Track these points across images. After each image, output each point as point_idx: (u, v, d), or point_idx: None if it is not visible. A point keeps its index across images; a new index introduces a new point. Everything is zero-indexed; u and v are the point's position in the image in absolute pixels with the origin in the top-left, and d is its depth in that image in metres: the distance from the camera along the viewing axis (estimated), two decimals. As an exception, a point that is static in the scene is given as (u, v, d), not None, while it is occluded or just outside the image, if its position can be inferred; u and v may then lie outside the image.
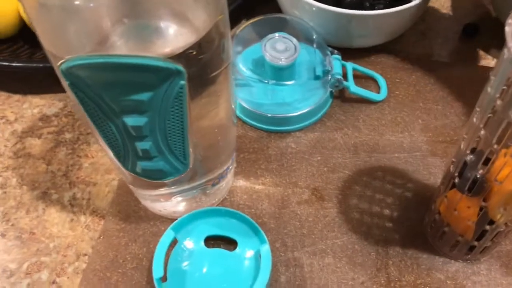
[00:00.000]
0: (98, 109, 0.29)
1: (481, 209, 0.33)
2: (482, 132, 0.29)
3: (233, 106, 0.38)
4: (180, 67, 0.27)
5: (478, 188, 0.32)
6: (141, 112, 0.29)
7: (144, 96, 0.28)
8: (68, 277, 0.40)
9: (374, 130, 0.47)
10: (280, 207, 0.43)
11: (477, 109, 0.30)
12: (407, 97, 0.49)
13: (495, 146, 0.29)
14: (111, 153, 0.33)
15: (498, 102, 0.27)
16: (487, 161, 0.30)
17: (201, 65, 0.30)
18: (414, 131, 0.47)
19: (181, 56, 0.28)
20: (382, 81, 0.50)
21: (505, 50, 0.25)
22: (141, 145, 0.31)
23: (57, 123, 0.49)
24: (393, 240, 0.40)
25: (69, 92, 0.28)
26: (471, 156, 0.31)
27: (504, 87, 0.27)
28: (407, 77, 0.51)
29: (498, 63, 0.27)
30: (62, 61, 0.26)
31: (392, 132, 0.47)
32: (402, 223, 0.41)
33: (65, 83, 0.28)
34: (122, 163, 0.33)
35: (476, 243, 0.36)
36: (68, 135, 0.48)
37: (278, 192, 0.43)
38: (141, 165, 0.33)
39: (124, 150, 0.32)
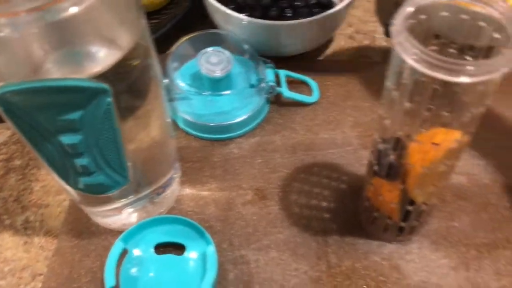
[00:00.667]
0: (35, 131, 0.31)
1: (401, 191, 0.36)
2: (387, 121, 0.33)
3: (168, 121, 0.40)
4: (105, 85, 0.29)
5: (393, 173, 0.35)
6: (75, 130, 0.31)
7: (75, 115, 0.30)
8: (25, 298, 0.41)
9: (309, 130, 0.50)
10: (226, 209, 0.45)
11: (382, 102, 0.33)
12: (338, 97, 0.53)
13: (399, 133, 0.32)
14: (55, 174, 0.35)
15: (394, 93, 0.31)
16: (402, 148, 0.33)
17: (130, 82, 0.33)
18: (345, 128, 0.50)
19: (109, 75, 0.30)
20: (313, 85, 0.53)
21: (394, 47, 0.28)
22: (79, 162, 0.33)
23: (6, 150, 0.50)
24: (331, 229, 0.43)
25: (5, 118, 0.30)
26: (383, 145, 0.35)
27: (403, 81, 0.30)
28: (337, 78, 0.54)
29: (391, 59, 0.30)
30: (-4, 88, 0.28)
31: (326, 130, 0.50)
32: (339, 213, 0.44)
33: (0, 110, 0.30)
34: (65, 181, 0.35)
35: (403, 224, 0.40)
36: (18, 162, 0.50)
37: (223, 196, 0.46)
38: (82, 181, 0.35)
39: (64, 168, 0.34)
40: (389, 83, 0.31)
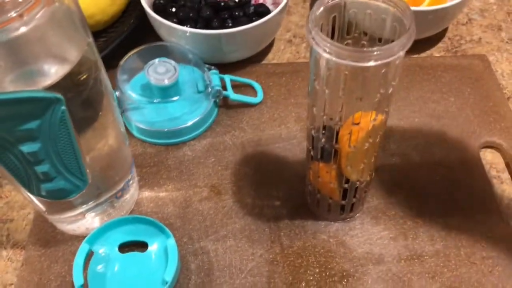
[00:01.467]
0: (-5, 142, 0.33)
1: (336, 171, 0.41)
2: (314, 109, 0.37)
3: (122, 130, 0.43)
4: (58, 95, 0.32)
5: (326, 155, 0.39)
6: (33, 139, 0.34)
7: (33, 124, 0.33)
8: (-3, 308, 0.43)
9: (256, 128, 0.54)
10: (184, 207, 0.48)
11: (309, 92, 0.38)
12: (280, 96, 0.57)
13: (325, 118, 0.36)
14: (18, 184, 0.38)
15: (315, 83, 0.35)
16: (330, 131, 0.38)
17: (82, 95, 0.36)
18: (289, 123, 0.55)
19: (61, 86, 0.33)
20: (257, 87, 0.57)
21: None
22: (40, 169, 0.36)
23: (-33, 172, 0.52)
24: (282, 215, 0.47)
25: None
26: (314, 131, 0.39)
27: (321, 71, 0.34)
28: (278, 79, 0.59)
29: (310, 54, 0.34)
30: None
31: (272, 127, 0.54)
32: (288, 200, 0.48)
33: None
34: (28, 188, 0.38)
35: (343, 202, 0.44)
36: (-21, 182, 0.51)
37: (181, 195, 0.49)
38: (44, 187, 0.38)
39: (26, 176, 0.36)
40: (311, 74, 0.35)
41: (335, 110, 0.35)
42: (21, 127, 0.33)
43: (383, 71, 0.31)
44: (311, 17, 0.32)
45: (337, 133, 0.37)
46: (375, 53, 0.30)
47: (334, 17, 0.35)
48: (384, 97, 0.34)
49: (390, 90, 0.34)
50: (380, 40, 0.36)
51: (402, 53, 0.31)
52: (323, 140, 0.38)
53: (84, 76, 0.36)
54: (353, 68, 0.31)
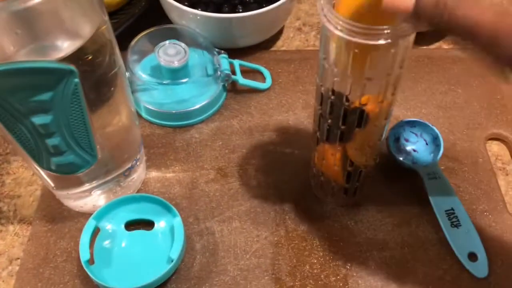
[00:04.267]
0: (7, 113, 0.34)
1: (342, 154, 0.41)
2: (323, 89, 0.37)
3: (133, 109, 0.44)
4: (72, 67, 0.33)
5: (332, 136, 0.40)
6: (45, 111, 0.34)
7: (46, 96, 0.33)
8: (3, 281, 0.43)
9: (264, 114, 0.54)
10: (191, 188, 0.49)
11: (318, 72, 0.38)
12: (289, 83, 0.57)
13: (332, 98, 0.37)
14: (28, 158, 0.38)
15: (324, 62, 0.35)
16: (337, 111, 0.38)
17: (97, 72, 0.36)
18: (297, 109, 0.55)
19: (73, 59, 0.34)
20: (266, 72, 0.57)
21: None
22: (51, 142, 0.36)
23: (-25, 148, 0.53)
24: (288, 198, 0.48)
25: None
26: (321, 111, 0.39)
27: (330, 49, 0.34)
28: (287, 66, 0.59)
29: (321, 32, 0.35)
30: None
31: (279, 112, 0.54)
32: (294, 184, 0.49)
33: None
34: (38, 162, 0.38)
35: (347, 185, 0.44)
36: (-12, 158, 0.52)
37: (188, 176, 0.50)
38: (54, 161, 0.38)
39: (37, 149, 0.37)
40: (320, 53, 0.35)
41: (343, 90, 0.35)
42: (33, 98, 0.33)
43: (392, 51, 0.32)
44: None
45: (345, 114, 0.37)
46: (386, 31, 0.30)
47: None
48: (392, 80, 0.34)
49: (398, 73, 0.34)
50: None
51: (412, 34, 0.31)
52: (329, 121, 0.38)
53: (99, 54, 0.36)
54: (363, 46, 0.31)
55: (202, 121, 0.54)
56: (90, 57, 0.35)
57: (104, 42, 0.37)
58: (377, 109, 0.36)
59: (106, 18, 0.37)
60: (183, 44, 0.52)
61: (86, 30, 0.35)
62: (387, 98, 0.36)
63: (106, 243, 0.43)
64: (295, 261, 0.44)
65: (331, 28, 0.31)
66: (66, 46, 0.35)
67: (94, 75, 0.36)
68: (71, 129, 0.36)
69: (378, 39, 0.30)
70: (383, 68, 0.33)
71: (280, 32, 0.63)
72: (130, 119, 0.44)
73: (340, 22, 0.30)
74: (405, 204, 0.47)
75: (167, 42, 0.52)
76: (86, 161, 0.39)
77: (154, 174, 0.50)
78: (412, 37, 0.32)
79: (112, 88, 0.39)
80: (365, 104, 0.35)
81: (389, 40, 0.30)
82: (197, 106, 0.53)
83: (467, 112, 0.54)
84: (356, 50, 0.32)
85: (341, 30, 0.30)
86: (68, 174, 0.40)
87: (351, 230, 0.45)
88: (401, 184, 0.49)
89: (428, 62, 0.59)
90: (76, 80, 0.33)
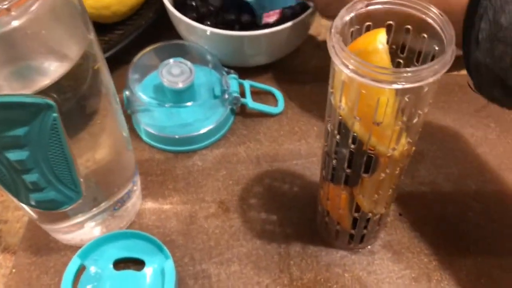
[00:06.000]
0: (-20, 147, 0.30)
1: (348, 198, 0.36)
2: (329, 125, 0.32)
3: (125, 135, 0.40)
4: (49, 101, 0.29)
5: (336, 178, 0.35)
6: (21, 146, 0.30)
7: (20, 131, 0.29)
8: (-20, 317, 0.40)
9: (274, 141, 0.50)
10: (188, 223, 0.44)
11: (326, 113, 0.33)
12: (303, 107, 0.52)
13: (338, 137, 0.32)
14: (5, 191, 0.34)
15: (332, 97, 0.30)
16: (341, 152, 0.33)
17: (80, 96, 0.32)
18: (310, 138, 0.50)
19: (59, 87, 0.30)
20: (279, 95, 0.53)
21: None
22: (28, 178, 0.32)
23: (-36, 165, 0.49)
24: (294, 241, 0.43)
25: None
26: (327, 148, 0.34)
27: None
28: (302, 88, 0.54)
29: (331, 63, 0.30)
30: None
31: (291, 141, 0.50)
32: (301, 225, 0.44)
33: None
34: (16, 197, 0.35)
35: (352, 231, 0.39)
36: (-24, 177, 0.48)
37: (186, 209, 0.45)
38: (33, 197, 0.34)
39: (14, 184, 0.33)
40: (329, 86, 0.31)
41: (349, 131, 0.30)
42: (6, 133, 0.29)
43: (407, 96, 0.27)
44: (336, 22, 0.28)
45: (350, 157, 0.33)
46: (400, 75, 0.25)
47: (369, 26, 0.30)
48: (408, 126, 0.29)
49: (416, 120, 0.30)
50: (418, 55, 0.31)
51: (431, 80, 0.26)
52: (334, 161, 0.34)
53: (83, 75, 0.32)
54: (372, 88, 0.26)
55: (206, 147, 0.50)
56: (74, 80, 0.31)
57: (89, 63, 0.33)
58: (388, 156, 0.31)
59: (93, 36, 0.33)
60: (188, 63, 0.48)
61: (73, 51, 0.31)
62: (402, 146, 0.31)
63: (90, 287, 0.39)
64: (298, 315, 0.39)
65: (337, 62, 0.26)
66: (52, 69, 0.31)
67: (75, 99, 0.32)
68: (50, 165, 0.32)
69: (390, 84, 0.26)
70: (395, 113, 0.28)
71: (296, 48, 0.58)
72: (119, 145, 0.40)
73: (349, 59, 0.26)
74: (425, 255, 0.42)
75: (171, 60, 0.48)
76: (69, 197, 0.35)
77: (150, 204, 0.46)
78: (432, 81, 0.27)
79: (96, 112, 0.35)
80: (373, 149, 0.30)
81: (401, 86, 0.25)
82: (202, 131, 0.48)
83: (500, 150, 0.49)
84: (364, 91, 0.27)
85: (347, 66, 0.26)
86: (50, 210, 0.36)
87: (363, 283, 0.41)
88: (423, 231, 0.44)
89: (458, 90, 0.54)
90: (55, 114, 0.29)
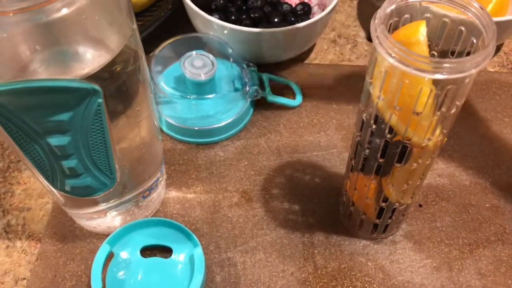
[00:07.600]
0: (22, 132, 0.30)
1: (376, 187, 0.37)
2: (364, 115, 0.33)
3: (156, 123, 0.40)
4: (96, 86, 0.29)
5: (367, 167, 0.36)
6: (63, 132, 0.31)
7: (65, 116, 0.30)
8: (7, 303, 0.40)
9: (294, 133, 0.51)
10: (212, 212, 0.45)
11: (362, 95, 0.34)
12: (321, 100, 0.53)
13: (373, 127, 0.33)
14: (40, 176, 0.35)
15: (370, 87, 0.31)
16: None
17: (119, 84, 0.33)
18: (329, 130, 0.51)
19: (98, 76, 0.30)
20: (296, 88, 0.53)
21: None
22: (67, 164, 0.33)
23: (-15, 154, 0.49)
24: (317, 230, 0.44)
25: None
26: (360, 138, 0.35)
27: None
28: (320, 82, 0.55)
29: (371, 53, 0.31)
30: (-18, 89, 0.28)
31: (310, 133, 0.51)
32: (324, 215, 0.45)
33: (-14, 111, 0.29)
34: (51, 183, 0.35)
35: (377, 220, 0.40)
36: (-2, 165, 0.49)
37: (209, 198, 0.46)
38: (69, 183, 0.35)
39: (51, 170, 0.33)
40: (367, 76, 0.32)
41: (387, 121, 0.31)
42: (51, 118, 0.30)
43: (448, 87, 0.28)
44: (379, 13, 0.29)
45: (385, 147, 0.33)
46: (445, 65, 0.26)
47: (404, 19, 0.31)
48: (444, 117, 0.30)
49: (453, 111, 0.31)
50: (452, 54, 0.32)
51: (474, 71, 0.27)
52: (367, 151, 0.35)
53: (124, 65, 0.33)
54: (416, 78, 0.27)
55: (227, 138, 0.50)
56: (117, 68, 0.32)
57: (130, 53, 0.33)
58: (422, 147, 0.32)
59: (135, 26, 0.33)
60: (211, 56, 0.49)
61: (115, 42, 0.32)
62: (436, 136, 0.32)
63: (121, 273, 0.40)
64: (323, 302, 0.40)
65: (382, 52, 0.27)
66: (91, 59, 0.31)
67: (115, 87, 0.33)
68: (90, 151, 0.33)
69: (434, 73, 0.26)
70: (435, 103, 0.29)
71: (312, 44, 0.59)
72: (152, 133, 0.40)
73: (394, 48, 0.26)
74: (446, 245, 0.43)
75: (193, 52, 0.49)
76: (104, 184, 0.36)
77: (174, 194, 0.46)
78: (474, 73, 0.28)
79: (134, 100, 0.36)
80: (409, 140, 0.31)
81: (445, 76, 0.26)
82: (222, 123, 0.49)
83: (514, 144, 0.50)
84: (407, 81, 0.28)
85: (393, 56, 0.27)
86: (83, 197, 0.37)
87: (386, 271, 0.42)
88: (443, 222, 0.45)
89: (472, 86, 0.55)
90: (100, 100, 0.30)
